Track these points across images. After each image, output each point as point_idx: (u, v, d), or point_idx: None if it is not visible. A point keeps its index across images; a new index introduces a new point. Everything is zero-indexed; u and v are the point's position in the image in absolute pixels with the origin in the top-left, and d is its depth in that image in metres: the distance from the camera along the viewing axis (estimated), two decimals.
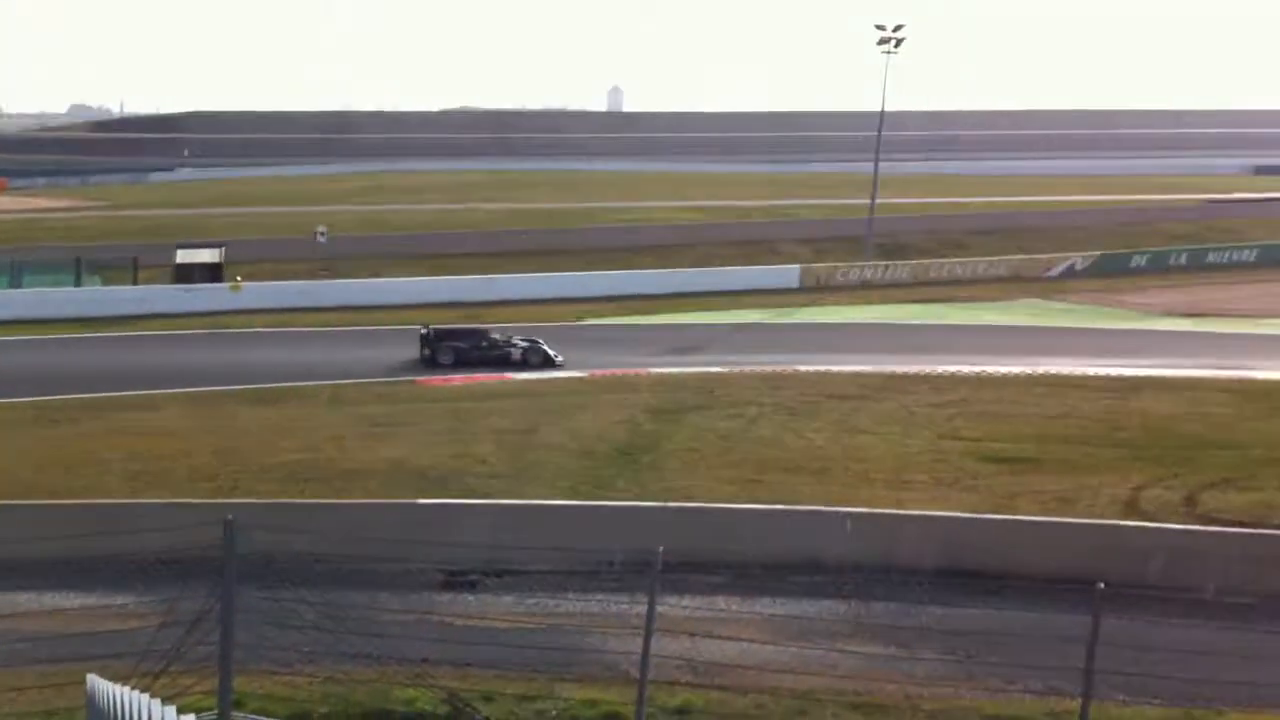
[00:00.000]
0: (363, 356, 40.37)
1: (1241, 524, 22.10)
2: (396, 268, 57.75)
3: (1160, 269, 62.22)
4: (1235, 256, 64.37)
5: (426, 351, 39.33)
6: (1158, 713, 14.49)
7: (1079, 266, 61.63)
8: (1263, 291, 55.56)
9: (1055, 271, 61.16)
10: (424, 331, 39.99)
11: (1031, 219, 72.95)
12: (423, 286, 54.04)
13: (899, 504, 23.29)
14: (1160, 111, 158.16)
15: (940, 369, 37.86)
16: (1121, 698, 14.77)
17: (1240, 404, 32.44)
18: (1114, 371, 37.31)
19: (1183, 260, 63.57)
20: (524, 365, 38.58)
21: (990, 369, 37.76)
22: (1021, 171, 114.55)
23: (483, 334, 40.36)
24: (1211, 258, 64.12)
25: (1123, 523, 22.09)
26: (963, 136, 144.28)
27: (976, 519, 21.83)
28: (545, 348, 39.28)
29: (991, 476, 25.69)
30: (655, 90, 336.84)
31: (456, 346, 39.22)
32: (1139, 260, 63.02)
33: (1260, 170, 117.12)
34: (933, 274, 60.18)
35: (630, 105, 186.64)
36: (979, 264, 61.22)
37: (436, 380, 36.87)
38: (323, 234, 58.63)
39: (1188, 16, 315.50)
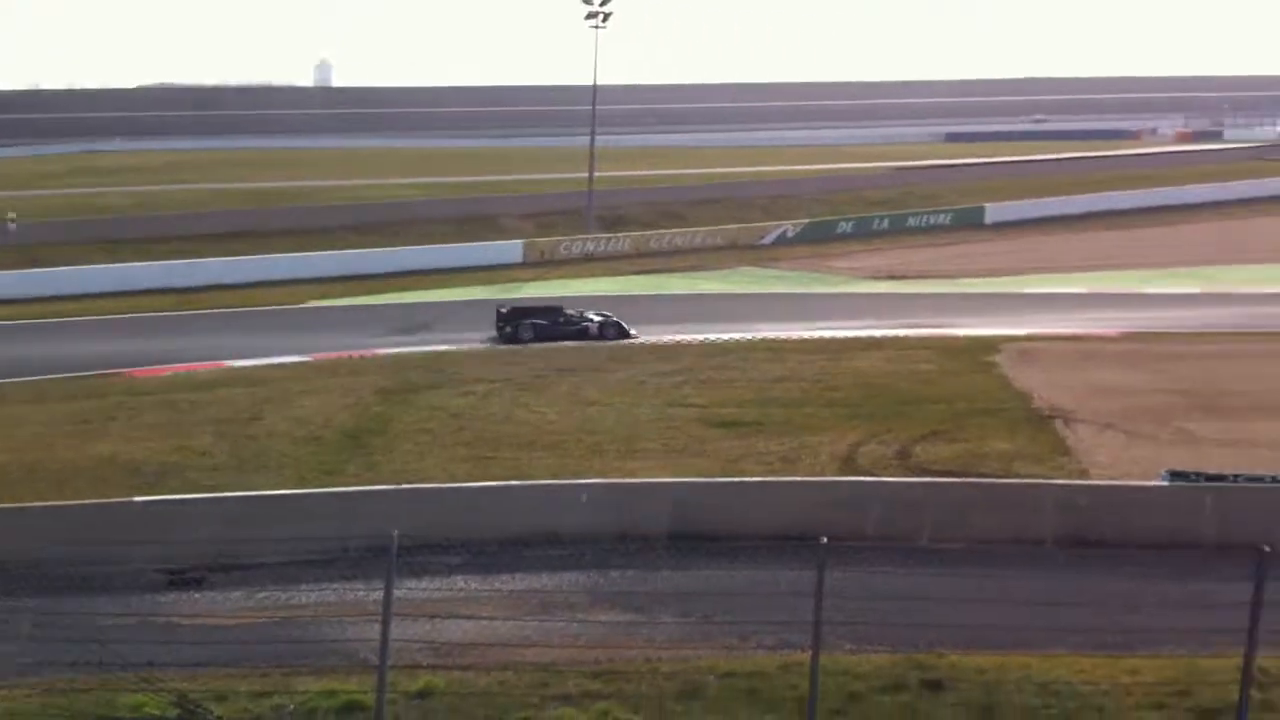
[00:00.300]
0: (66, 350, 38.06)
1: (950, 473, 23.46)
2: (98, 254, 54.67)
3: (864, 234, 65.22)
4: (932, 220, 68.07)
5: (508, 329, 39.60)
6: (883, 659, 15.18)
7: (790, 234, 63.96)
8: (958, 253, 59.01)
9: (768, 239, 63.27)
10: (502, 310, 40.50)
11: (745, 189, 75.20)
12: (127, 273, 51.39)
13: (632, 473, 23.68)
14: (859, 83, 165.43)
15: (666, 338, 38.66)
16: (849, 647, 15.39)
17: (943, 360, 34.37)
18: (827, 334, 38.97)
19: (885, 225, 66.81)
20: (600, 338, 39.20)
21: (713, 336, 38.79)
22: (735, 143, 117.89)
23: (559, 310, 40.78)
24: (911, 222, 67.59)
25: (842, 478, 23.11)
26: (679, 110, 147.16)
27: (706, 483, 22.40)
28: (619, 321, 40.01)
29: (719, 441, 26.40)
30: (366, 64, 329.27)
31: (536, 324, 39.62)
32: (845, 226, 65.89)
33: (951, 137, 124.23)
34: (653, 245, 61.33)
35: (340, 80, 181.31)
36: (697, 234, 62.74)
37: (148, 371, 35.14)
38: (13, 221, 54.85)
39: None
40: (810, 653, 12.73)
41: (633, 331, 39.80)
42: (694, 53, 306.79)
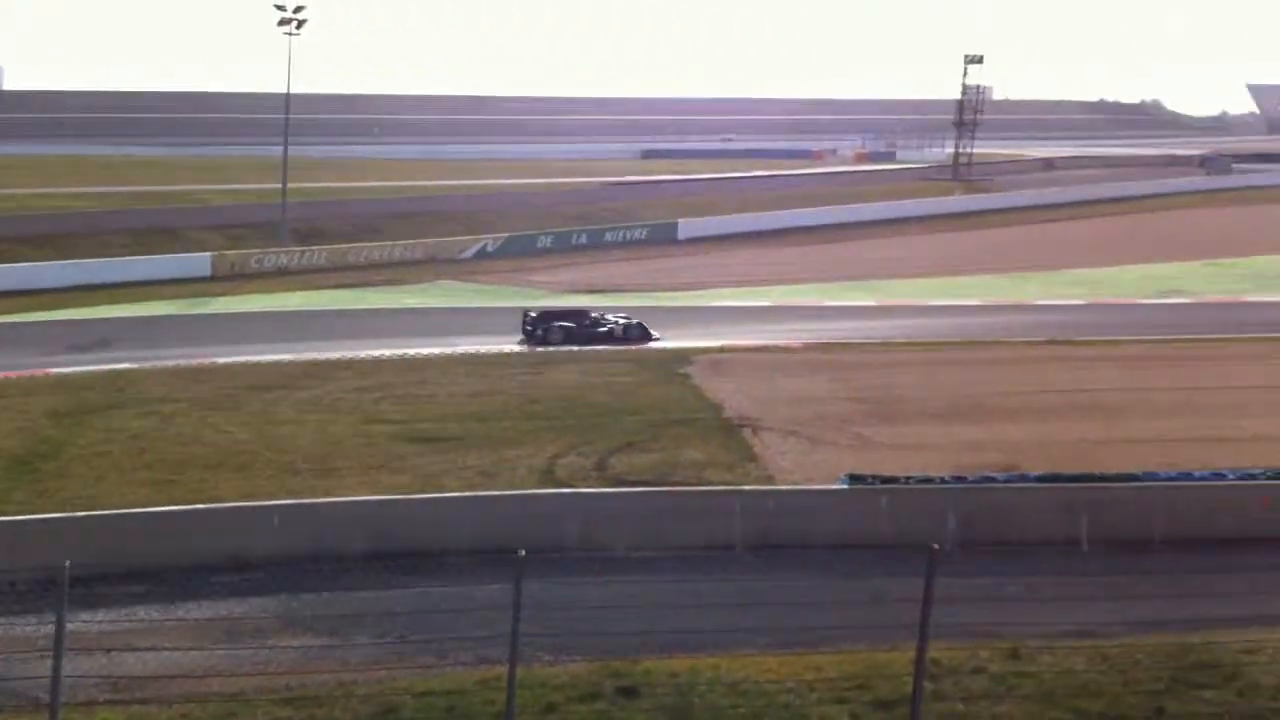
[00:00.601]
0: None
1: (645, 483, 23.96)
2: None
3: (564, 249, 65.87)
4: (628, 235, 69.43)
5: (538, 332, 40.71)
6: (580, 668, 15.32)
7: (490, 248, 63.97)
8: (653, 267, 60.37)
9: (468, 253, 63.09)
10: (530, 313, 41.79)
11: (445, 203, 74.70)
12: None
13: (327, 492, 23.08)
14: (558, 99, 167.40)
15: (363, 354, 37.92)
16: (548, 658, 15.50)
17: (638, 372, 35.10)
18: (526, 348, 39.17)
19: (583, 240, 67.69)
20: (625, 340, 40.25)
21: (412, 351, 38.35)
22: (435, 156, 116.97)
23: (585, 313, 42.21)
24: (608, 237, 68.74)
25: (540, 491, 23.22)
26: (378, 120, 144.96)
27: (403, 500, 22.13)
28: (642, 323, 41.27)
29: (418, 457, 26.09)
30: (42, 67, 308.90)
31: (565, 326, 40.85)
32: (544, 241, 66.40)
33: (647, 154, 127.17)
34: (351, 259, 60.10)
35: (11, 84, 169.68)
36: (396, 248, 61.88)
37: None
38: None
39: (584, 12, 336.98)
40: (508, 667, 12.73)
41: (655, 334, 40.95)
42: (393, 63, 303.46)
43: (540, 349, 39.63)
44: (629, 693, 14.54)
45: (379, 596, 18.87)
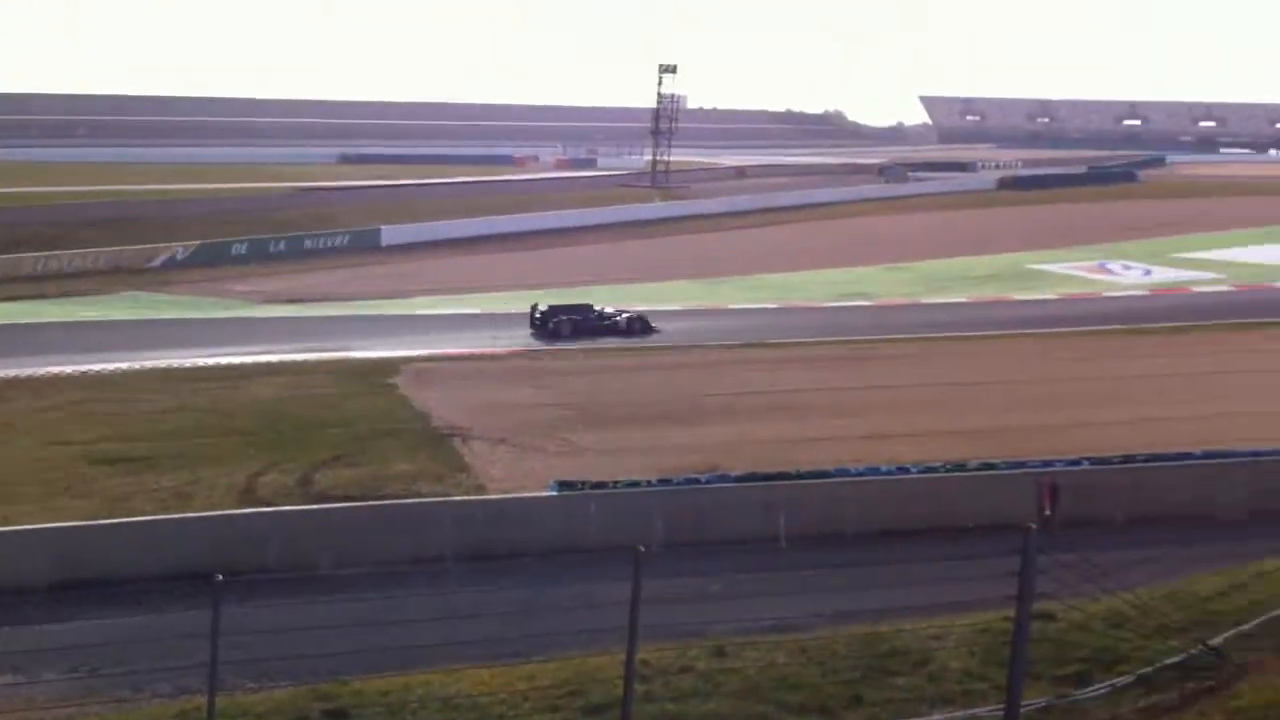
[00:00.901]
0: None
1: (352, 498, 23.41)
2: None
3: (262, 256, 63.79)
4: (329, 242, 67.88)
5: (549, 325, 42.58)
6: (285, 693, 14.83)
7: (180, 256, 61.34)
8: (355, 275, 59.29)
9: (157, 262, 60.29)
10: (541, 309, 43.35)
11: (130, 209, 71.22)
12: None
13: (5, 520, 21.54)
14: (245, 100, 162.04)
15: (40, 371, 35.66)
16: (250, 685, 14.94)
17: (342, 383, 34.35)
18: (223, 361, 37.70)
19: (282, 247, 65.72)
20: (629, 332, 42.65)
21: (96, 367, 36.34)
22: (118, 159, 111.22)
23: (589, 307, 44.18)
24: (308, 244, 66.98)
25: (238, 511, 22.35)
26: (48, 122, 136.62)
27: (90, 526, 20.91)
28: (644, 316, 43.83)
29: (105, 479, 24.75)
30: None
31: (573, 319, 42.80)
32: (240, 248, 64.11)
33: (346, 158, 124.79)
34: (26, 269, 56.44)
35: None
36: (74, 257, 58.51)
37: None
38: None
39: (280, 11, 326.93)
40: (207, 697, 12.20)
41: (656, 327, 43.37)
42: (72, 62, 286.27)
43: (550, 343, 41.61)
44: (338, 715, 14.18)
45: (66, 629, 17.76)
